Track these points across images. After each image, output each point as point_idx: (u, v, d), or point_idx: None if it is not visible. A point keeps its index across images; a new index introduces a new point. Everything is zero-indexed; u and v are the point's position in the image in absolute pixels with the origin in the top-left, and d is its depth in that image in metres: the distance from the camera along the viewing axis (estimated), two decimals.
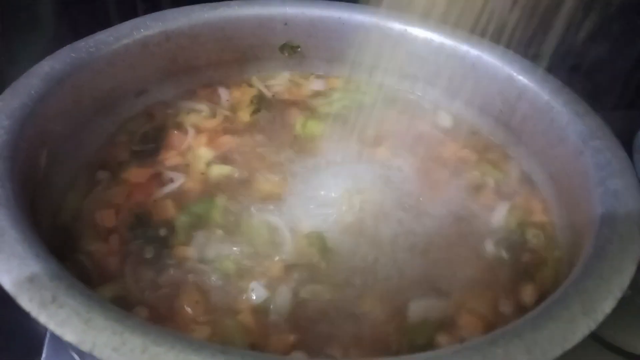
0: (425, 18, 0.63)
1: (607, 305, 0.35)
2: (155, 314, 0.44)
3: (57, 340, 0.55)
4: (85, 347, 0.30)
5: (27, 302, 0.32)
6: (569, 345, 0.32)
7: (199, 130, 0.62)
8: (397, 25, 0.67)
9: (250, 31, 0.68)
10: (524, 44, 0.64)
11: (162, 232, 0.50)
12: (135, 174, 0.56)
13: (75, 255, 0.48)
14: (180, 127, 0.62)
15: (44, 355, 0.55)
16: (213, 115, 0.65)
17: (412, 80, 0.70)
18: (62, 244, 0.48)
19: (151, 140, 0.60)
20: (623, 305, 0.68)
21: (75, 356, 0.46)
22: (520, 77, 0.58)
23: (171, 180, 0.55)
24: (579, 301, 0.34)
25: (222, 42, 0.67)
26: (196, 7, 0.65)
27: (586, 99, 0.55)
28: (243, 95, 0.68)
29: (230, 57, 0.69)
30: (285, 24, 0.69)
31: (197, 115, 0.64)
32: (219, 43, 0.67)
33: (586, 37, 0.92)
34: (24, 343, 0.58)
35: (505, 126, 0.63)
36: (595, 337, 0.65)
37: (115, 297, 0.44)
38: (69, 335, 0.31)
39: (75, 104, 0.55)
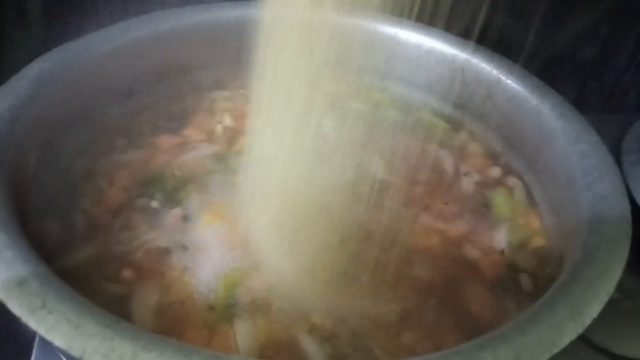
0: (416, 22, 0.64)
1: (594, 309, 0.35)
2: (138, 272, 0.45)
3: (46, 344, 0.55)
4: (75, 353, 0.30)
5: (16, 308, 0.32)
6: (556, 349, 0.32)
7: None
8: (387, 29, 0.67)
9: (243, 33, 0.68)
10: (510, 47, 0.65)
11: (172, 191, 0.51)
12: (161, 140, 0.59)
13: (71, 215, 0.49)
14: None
15: (33, 357, 0.55)
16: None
17: (401, 83, 0.70)
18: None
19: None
20: (612, 308, 0.69)
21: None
22: (509, 81, 0.59)
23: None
24: (567, 305, 0.35)
25: (214, 44, 0.67)
26: (187, 9, 0.65)
27: (574, 102, 0.56)
28: None
29: (222, 59, 0.69)
30: None
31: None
32: (211, 45, 0.67)
33: (574, 41, 0.94)
34: (13, 345, 0.58)
35: (494, 130, 0.63)
36: (584, 340, 0.65)
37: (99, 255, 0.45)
38: (58, 340, 0.31)
39: (65, 105, 0.55)
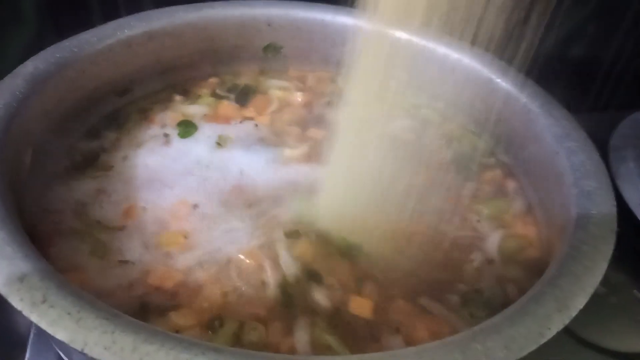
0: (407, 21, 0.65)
1: (579, 302, 0.36)
2: None
3: (41, 340, 0.55)
4: (76, 346, 0.31)
5: (18, 302, 0.33)
6: (544, 339, 0.34)
7: None
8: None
9: (234, 32, 0.69)
10: (500, 46, 0.66)
11: None
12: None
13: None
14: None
15: (27, 355, 0.55)
16: None
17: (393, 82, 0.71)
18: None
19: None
20: (598, 303, 0.70)
21: (61, 354, 0.47)
22: (499, 81, 0.60)
23: None
24: (553, 298, 0.36)
25: (206, 43, 0.68)
26: (180, 8, 0.66)
27: (562, 101, 0.57)
28: None
29: (213, 57, 0.70)
30: (269, 24, 0.70)
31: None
32: (203, 43, 0.68)
33: (562, 39, 0.95)
34: (7, 343, 0.58)
35: (484, 128, 0.64)
36: (571, 334, 0.67)
37: None
38: (60, 334, 0.31)
39: (60, 103, 0.56)
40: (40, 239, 0.48)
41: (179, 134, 0.61)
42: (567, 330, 0.66)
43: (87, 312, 0.32)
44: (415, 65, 0.67)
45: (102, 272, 0.46)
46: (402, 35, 0.66)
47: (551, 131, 0.53)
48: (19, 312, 0.33)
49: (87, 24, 0.60)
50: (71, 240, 0.49)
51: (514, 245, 0.52)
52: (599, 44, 0.98)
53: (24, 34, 0.73)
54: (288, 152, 0.60)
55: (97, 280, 0.45)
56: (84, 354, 0.31)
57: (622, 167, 0.81)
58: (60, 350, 0.46)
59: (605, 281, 0.72)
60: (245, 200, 0.54)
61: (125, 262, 0.47)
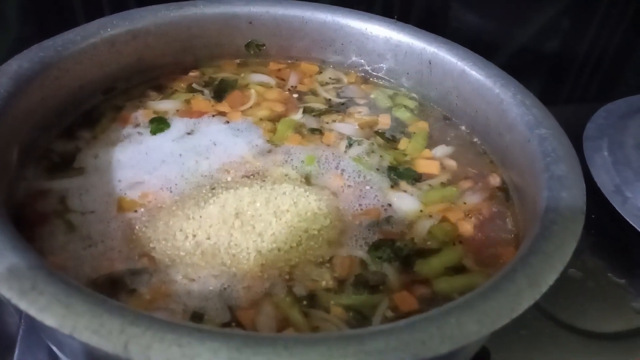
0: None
1: (550, 278, 0.38)
2: None
3: (30, 338, 0.56)
4: (65, 330, 0.32)
5: (6, 290, 0.34)
6: (515, 314, 0.35)
7: None
8: (357, 24, 0.70)
9: (216, 30, 0.70)
10: (476, 41, 0.68)
11: None
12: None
13: None
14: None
15: (16, 352, 0.55)
16: None
17: (370, 76, 0.73)
18: None
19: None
20: (575, 287, 0.73)
21: (54, 348, 0.47)
22: (473, 72, 0.62)
23: None
24: (525, 275, 0.38)
25: (189, 41, 0.69)
26: (162, 7, 0.67)
27: (538, 94, 0.59)
28: None
29: (196, 55, 0.71)
30: (250, 22, 0.71)
31: None
32: (186, 42, 0.69)
33: (537, 33, 0.97)
34: None
35: (460, 119, 0.66)
36: (550, 317, 0.69)
37: None
38: (49, 320, 0.32)
39: (44, 101, 0.56)
40: (25, 227, 0.49)
41: (150, 131, 0.62)
42: (545, 313, 0.69)
43: (76, 298, 0.33)
44: (395, 58, 0.69)
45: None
46: (380, 30, 0.68)
47: (523, 120, 0.54)
48: (7, 311, 0.34)
49: (71, 25, 0.61)
50: (53, 228, 0.50)
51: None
52: (573, 37, 1.00)
53: (6, 38, 0.74)
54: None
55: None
56: (74, 339, 0.32)
57: (597, 156, 0.84)
58: (52, 343, 0.46)
59: (581, 266, 0.75)
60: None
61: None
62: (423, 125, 0.67)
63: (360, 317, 0.46)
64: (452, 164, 0.62)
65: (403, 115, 0.68)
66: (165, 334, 0.32)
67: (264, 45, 0.73)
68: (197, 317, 0.44)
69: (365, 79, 0.74)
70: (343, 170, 0.60)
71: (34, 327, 0.55)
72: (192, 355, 0.31)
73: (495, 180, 0.60)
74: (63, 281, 0.34)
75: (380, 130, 0.66)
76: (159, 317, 0.33)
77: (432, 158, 0.63)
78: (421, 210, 0.56)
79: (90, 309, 0.33)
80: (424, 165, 0.62)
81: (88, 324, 0.32)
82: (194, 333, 0.32)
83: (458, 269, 0.51)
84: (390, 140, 0.64)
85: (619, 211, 0.77)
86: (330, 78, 0.74)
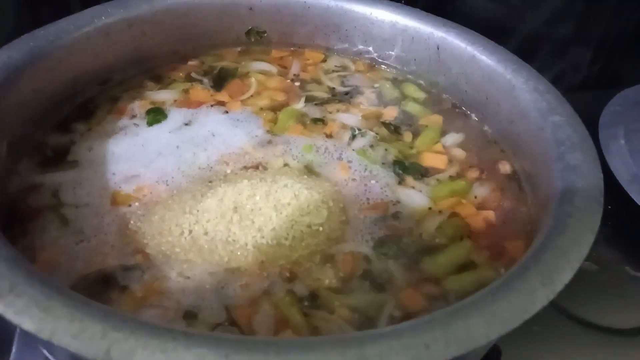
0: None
1: (565, 276, 0.35)
2: None
3: (26, 337, 0.54)
4: (44, 335, 0.30)
5: None
6: (527, 315, 0.33)
7: None
8: (362, 8, 0.67)
9: (215, 17, 0.68)
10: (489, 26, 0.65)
11: None
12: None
13: None
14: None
15: (13, 351, 0.54)
16: None
17: (377, 62, 0.70)
18: None
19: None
20: (589, 280, 0.70)
21: (46, 352, 0.46)
22: (483, 57, 0.59)
23: None
24: (538, 273, 0.35)
25: (186, 29, 0.67)
26: None
27: (552, 80, 0.56)
28: None
29: (195, 44, 0.69)
30: (250, 9, 0.68)
31: None
32: (183, 30, 0.67)
33: (550, 18, 0.94)
34: None
35: (470, 107, 0.63)
36: (562, 311, 0.66)
37: None
38: (27, 324, 0.30)
39: (36, 94, 0.54)
40: (16, 222, 0.48)
41: (147, 123, 0.60)
42: (558, 308, 0.66)
43: (56, 301, 0.31)
44: (401, 44, 0.67)
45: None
46: (386, 15, 0.66)
47: (536, 106, 0.52)
48: None
49: (65, 14, 0.59)
50: (45, 222, 0.49)
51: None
52: (587, 21, 0.97)
53: (2, 29, 0.72)
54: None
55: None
56: (58, 346, 0.30)
57: (613, 144, 0.80)
58: (42, 347, 0.45)
59: (596, 258, 0.72)
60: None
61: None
62: (437, 119, 0.64)
63: (365, 319, 0.44)
64: (461, 154, 0.59)
65: (413, 108, 0.65)
66: (149, 340, 0.30)
67: (264, 32, 0.70)
68: (191, 316, 0.42)
69: (372, 67, 0.71)
70: (350, 162, 0.57)
71: None
72: None
73: (505, 167, 0.57)
74: (43, 282, 0.32)
75: (386, 122, 0.63)
76: (144, 321, 0.31)
77: (440, 151, 0.60)
78: (430, 207, 0.53)
79: (71, 312, 0.31)
80: (431, 159, 0.59)
81: (68, 328, 0.30)
82: (179, 338, 0.30)
83: (468, 266, 0.48)
84: (395, 132, 0.62)
85: (636, 201, 0.74)
86: (335, 66, 0.71)
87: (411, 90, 0.68)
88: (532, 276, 0.35)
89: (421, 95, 0.67)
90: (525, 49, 0.71)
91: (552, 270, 0.35)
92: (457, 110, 0.65)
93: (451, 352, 0.30)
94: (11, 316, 0.31)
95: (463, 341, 0.30)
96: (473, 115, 0.63)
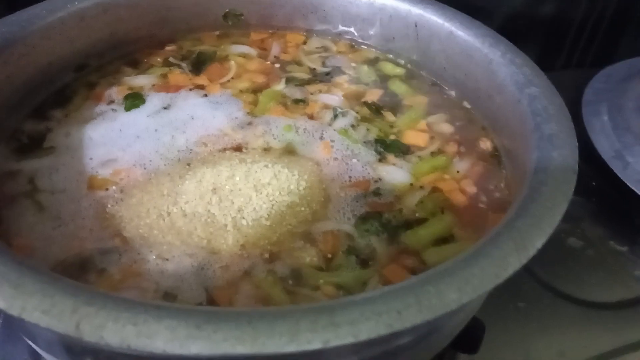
0: None
1: (538, 242, 0.35)
2: None
3: (9, 327, 0.54)
4: (14, 312, 0.30)
5: None
6: (499, 280, 0.33)
7: None
8: None
9: (191, 0, 0.67)
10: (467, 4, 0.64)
11: None
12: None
13: None
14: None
15: None
16: None
17: (357, 42, 0.70)
18: None
19: None
20: (575, 256, 0.71)
21: (29, 341, 0.45)
22: (461, 33, 0.59)
23: None
24: (511, 239, 0.35)
25: (163, 13, 0.66)
26: None
27: (535, 60, 0.55)
28: None
29: (171, 28, 0.68)
30: None
31: None
32: (160, 14, 0.66)
33: None
34: None
35: (449, 84, 0.63)
36: (548, 287, 0.67)
37: None
38: None
39: (10, 80, 0.54)
40: None
41: (125, 108, 0.59)
42: (543, 284, 0.67)
43: (27, 278, 0.31)
44: (380, 22, 0.66)
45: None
46: None
47: (513, 79, 0.51)
48: None
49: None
50: (21, 209, 0.48)
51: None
52: (569, 1, 0.97)
53: None
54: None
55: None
56: (25, 322, 0.30)
57: (596, 120, 0.81)
58: (26, 337, 0.44)
59: (581, 234, 0.73)
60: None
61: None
62: (418, 97, 0.64)
63: (350, 295, 0.43)
64: (443, 130, 0.59)
65: (395, 87, 0.65)
66: (120, 313, 0.29)
67: (242, 14, 0.70)
68: (170, 297, 0.42)
69: (352, 47, 0.71)
70: (332, 141, 0.57)
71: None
72: (149, 334, 0.29)
73: (486, 144, 0.57)
74: (14, 260, 0.32)
75: (367, 102, 0.63)
76: (114, 295, 0.31)
77: (421, 129, 0.60)
78: (412, 184, 0.53)
79: (42, 288, 0.30)
80: (412, 137, 0.59)
81: (38, 304, 0.30)
82: (150, 310, 0.29)
83: (449, 239, 0.48)
84: (377, 112, 0.61)
85: (620, 177, 0.75)
86: (316, 47, 0.71)
87: (390, 68, 0.68)
88: (504, 243, 0.35)
89: (401, 72, 0.67)
90: (507, 28, 0.71)
91: (525, 236, 0.35)
92: (436, 87, 0.65)
93: (423, 317, 0.30)
94: None
95: (435, 307, 0.30)
96: (453, 92, 0.63)
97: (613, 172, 0.75)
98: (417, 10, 0.62)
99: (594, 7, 0.98)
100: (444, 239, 0.48)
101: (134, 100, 0.60)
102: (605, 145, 0.78)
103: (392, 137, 0.58)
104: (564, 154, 0.42)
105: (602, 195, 0.77)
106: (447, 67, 0.62)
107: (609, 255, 0.71)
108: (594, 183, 0.79)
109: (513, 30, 0.92)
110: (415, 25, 0.63)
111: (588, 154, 0.77)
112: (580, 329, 0.64)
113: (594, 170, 0.78)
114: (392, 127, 0.60)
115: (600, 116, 0.82)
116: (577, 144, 0.44)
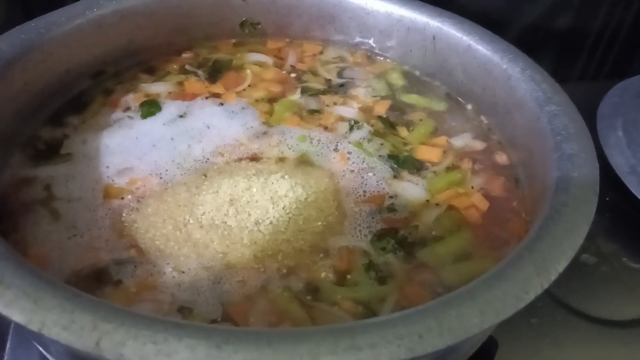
0: None
1: (560, 265, 0.35)
2: None
3: (21, 333, 0.54)
4: (33, 327, 0.30)
5: None
6: (521, 304, 0.32)
7: None
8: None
9: (208, 8, 0.67)
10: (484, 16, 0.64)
11: None
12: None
13: None
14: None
15: (8, 346, 0.54)
16: None
17: (373, 54, 0.70)
18: None
19: None
20: (589, 272, 0.70)
21: (40, 348, 0.45)
22: (479, 47, 0.58)
23: None
24: (532, 262, 0.35)
25: (180, 21, 0.66)
26: None
27: (550, 72, 0.55)
28: None
29: (190, 36, 0.68)
30: (244, 0, 0.68)
31: None
32: (177, 22, 0.66)
33: (548, 8, 0.93)
34: None
35: (466, 98, 0.63)
36: (562, 304, 0.66)
37: None
38: (17, 315, 0.30)
39: (27, 87, 0.54)
40: (7, 217, 0.48)
41: (141, 115, 0.59)
42: (556, 300, 0.66)
43: (45, 292, 0.31)
44: (397, 34, 0.66)
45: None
46: (381, 5, 0.65)
47: (533, 96, 0.51)
48: None
49: (58, 6, 0.58)
50: (37, 217, 0.48)
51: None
52: (585, 12, 0.96)
53: None
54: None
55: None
56: (49, 339, 0.30)
57: (611, 135, 0.80)
58: (38, 344, 0.44)
59: (595, 251, 0.72)
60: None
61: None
62: (437, 113, 0.63)
63: (368, 311, 0.43)
64: (457, 145, 0.59)
65: (409, 99, 0.65)
66: (139, 330, 0.29)
67: (259, 23, 0.70)
68: (186, 311, 0.42)
69: (369, 59, 0.71)
70: (349, 153, 0.57)
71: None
72: (168, 353, 0.28)
73: (502, 158, 0.56)
74: (33, 274, 0.32)
75: (382, 116, 0.63)
76: (134, 312, 0.30)
77: (434, 144, 0.59)
78: (427, 200, 0.53)
79: (61, 303, 0.30)
80: (425, 152, 0.58)
81: (58, 319, 0.30)
82: (170, 329, 0.29)
83: (466, 257, 0.48)
84: (391, 127, 0.61)
85: (635, 193, 0.74)
86: (333, 58, 0.71)
87: (405, 81, 0.67)
88: (526, 265, 0.34)
89: (417, 85, 0.66)
90: (523, 41, 0.71)
91: (547, 259, 0.35)
92: (453, 100, 0.64)
93: (445, 341, 0.29)
94: (1, 308, 0.30)
95: (456, 331, 0.30)
96: (469, 106, 0.63)
97: (627, 189, 0.75)
98: (435, 23, 0.62)
99: (611, 20, 0.98)
100: (462, 257, 0.48)
101: (150, 107, 0.60)
102: (620, 161, 0.77)
103: (405, 153, 0.58)
104: (585, 175, 0.42)
105: (616, 211, 0.76)
106: (464, 81, 0.62)
107: (624, 272, 0.70)
108: (608, 199, 0.78)
109: (529, 41, 0.92)
110: (434, 38, 0.63)
111: (602, 168, 0.76)
112: (594, 346, 0.63)
113: (608, 186, 0.77)
114: (405, 144, 0.59)
115: (615, 131, 0.81)
116: (598, 165, 0.43)
